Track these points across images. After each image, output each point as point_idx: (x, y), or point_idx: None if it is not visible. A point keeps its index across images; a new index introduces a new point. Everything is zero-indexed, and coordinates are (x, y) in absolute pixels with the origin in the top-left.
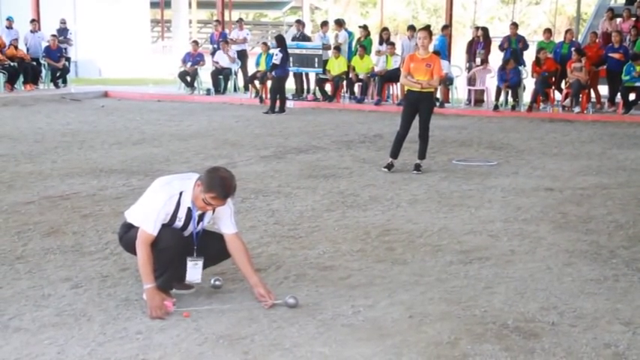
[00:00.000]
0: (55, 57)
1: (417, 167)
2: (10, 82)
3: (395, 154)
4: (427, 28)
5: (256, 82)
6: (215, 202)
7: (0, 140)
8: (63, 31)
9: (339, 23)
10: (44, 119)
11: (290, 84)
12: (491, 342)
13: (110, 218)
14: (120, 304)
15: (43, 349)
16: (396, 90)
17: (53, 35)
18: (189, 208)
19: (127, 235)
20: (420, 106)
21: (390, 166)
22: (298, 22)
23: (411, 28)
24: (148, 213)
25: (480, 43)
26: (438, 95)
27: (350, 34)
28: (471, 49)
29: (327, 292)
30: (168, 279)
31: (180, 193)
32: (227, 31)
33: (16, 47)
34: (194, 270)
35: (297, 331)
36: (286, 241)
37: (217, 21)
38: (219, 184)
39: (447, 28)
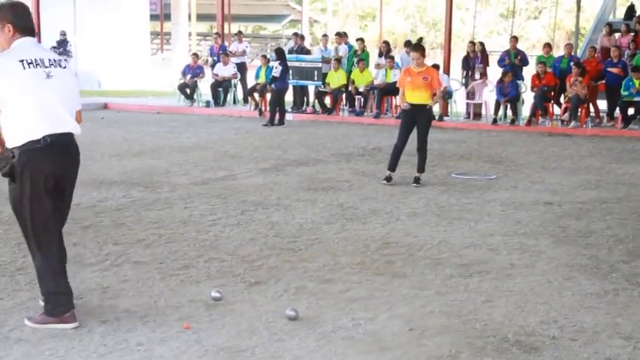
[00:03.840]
0: None
1: (417, 180)
2: None
3: (393, 166)
4: (419, 49)
5: (256, 95)
6: None
7: None
8: (63, 43)
9: (341, 36)
10: None
11: (289, 96)
12: (491, 356)
13: (110, 230)
14: (120, 316)
15: None
16: (395, 103)
17: (53, 47)
18: None
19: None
20: (418, 118)
21: (388, 179)
22: (296, 35)
23: (408, 43)
24: None
25: (478, 57)
26: (436, 108)
27: (350, 47)
28: (467, 64)
29: (327, 304)
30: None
31: None
32: (226, 43)
33: None
34: None
35: (298, 344)
36: (286, 253)
37: (217, 34)
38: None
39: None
